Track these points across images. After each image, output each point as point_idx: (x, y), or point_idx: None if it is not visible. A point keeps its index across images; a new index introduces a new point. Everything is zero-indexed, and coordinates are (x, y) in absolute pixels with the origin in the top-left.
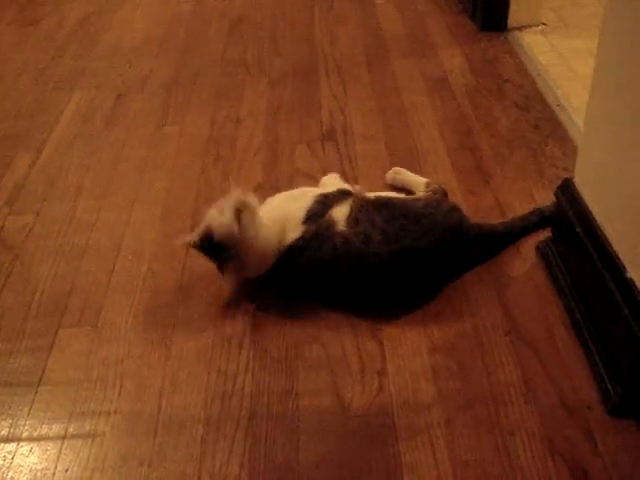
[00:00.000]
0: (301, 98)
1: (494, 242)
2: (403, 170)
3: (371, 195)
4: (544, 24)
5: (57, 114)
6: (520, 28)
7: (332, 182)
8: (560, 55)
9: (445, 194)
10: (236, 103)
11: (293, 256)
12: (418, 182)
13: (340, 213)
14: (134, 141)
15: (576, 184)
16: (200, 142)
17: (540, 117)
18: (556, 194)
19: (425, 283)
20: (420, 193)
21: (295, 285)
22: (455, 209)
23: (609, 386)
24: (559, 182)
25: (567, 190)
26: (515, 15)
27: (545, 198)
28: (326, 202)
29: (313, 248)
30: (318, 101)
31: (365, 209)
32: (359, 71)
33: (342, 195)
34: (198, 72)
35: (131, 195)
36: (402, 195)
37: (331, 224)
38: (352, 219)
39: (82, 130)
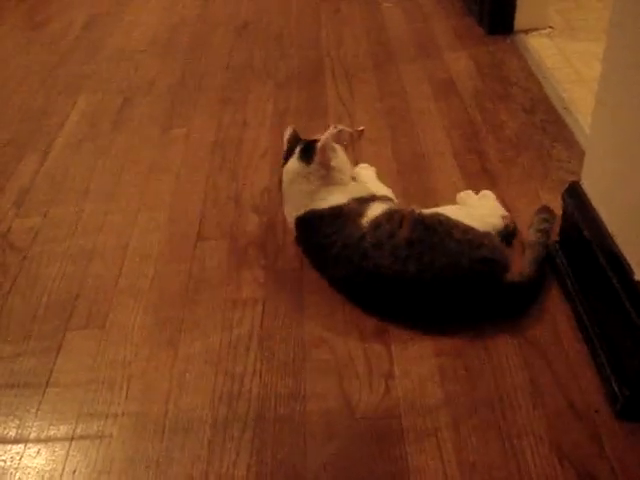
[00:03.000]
0: (307, 101)
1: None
2: (472, 194)
3: (426, 211)
4: (551, 27)
5: (63, 117)
6: (527, 31)
7: (370, 177)
8: (567, 58)
9: (514, 232)
10: (242, 106)
11: (321, 217)
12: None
13: (373, 210)
14: (140, 144)
15: (583, 187)
16: (206, 145)
17: (547, 120)
18: (563, 197)
19: (423, 312)
20: (492, 220)
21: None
22: (490, 262)
23: (616, 389)
24: (566, 185)
25: (574, 193)
26: (522, 18)
27: (552, 201)
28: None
29: (336, 224)
30: (324, 104)
31: (396, 221)
32: (365, 74)
33: (387, 199)
34: (204, 75)
35: (137, 198)
36: (465, 212)
37: (361, 215)
38: (376, 222)
39: (88, 133)
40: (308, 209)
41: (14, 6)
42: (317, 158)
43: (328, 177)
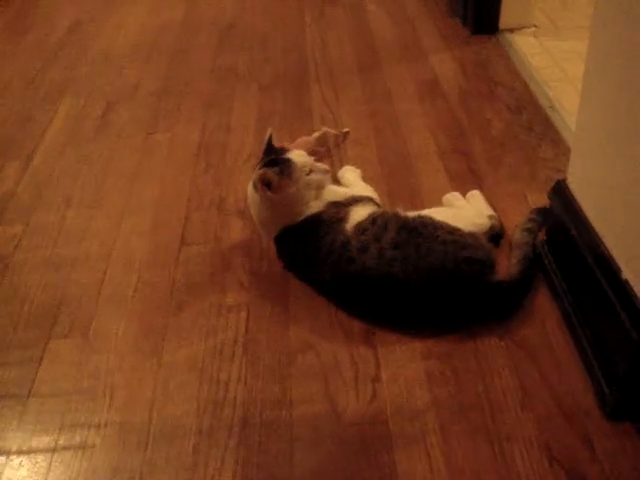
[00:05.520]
0: (292, 105)
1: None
2: (458, 196)
3: (410, 214)
4: (535, 26)
5: (47, 122)
6: (511, 30)
7: (353, 179)
8: (552, 57)
9: (501, 233)
10: (226, 110)
11: (299, 231)
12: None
13: (357, 215)
14: (124, 149)
15: (569, 185)
16: (190, 150)
17: (533, 119)
18: (549, 196)
19: (410, 314)
20: (480, 220)
21: (289, 259)
22: (475, 262)
23: (606, 389)
24: (552, 184)
25: (560, 192)
26: (506, 18)
27: (539, 200)
28: (352, 200)
29: (317, 232)
30: (309, 107)
31: (381, 224)
32: (350, 77)
33: (368, 200)
34: (188, 79)
35: (121, 204)
36: (451, 214)
37: (344, 220)
38: (361, 227)
39: (72, 138)
40: (282, 228)
41: None
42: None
43: (282, 205)
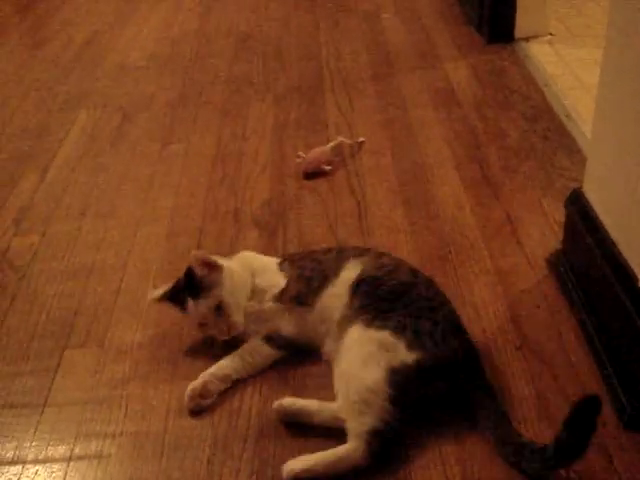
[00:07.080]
0: (307, 114)
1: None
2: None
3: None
4: (551, 34)
5: (63, 134)
6: (527, 39)
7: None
8: (568, 65)
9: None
10: (242, 120)
11: None
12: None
13: None
14: (140, 160)
15: (585, 194)
16: (206, 160)
17: (548, 128)
18: (565, 205)
19: None
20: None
21: None
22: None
23: (624, 400)
24: (569, 193)
25: (576, 201)
26: (522, 26)
27: (555, 209)
28: None
29: None
30: (324, 116)
31: None
32: (365, 85)
33: None
34: (204, 90)
35: (137, 214)
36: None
37: None
38: None
39: (88, 149)
40: None
41: (16, 24)
42: None
43: None
